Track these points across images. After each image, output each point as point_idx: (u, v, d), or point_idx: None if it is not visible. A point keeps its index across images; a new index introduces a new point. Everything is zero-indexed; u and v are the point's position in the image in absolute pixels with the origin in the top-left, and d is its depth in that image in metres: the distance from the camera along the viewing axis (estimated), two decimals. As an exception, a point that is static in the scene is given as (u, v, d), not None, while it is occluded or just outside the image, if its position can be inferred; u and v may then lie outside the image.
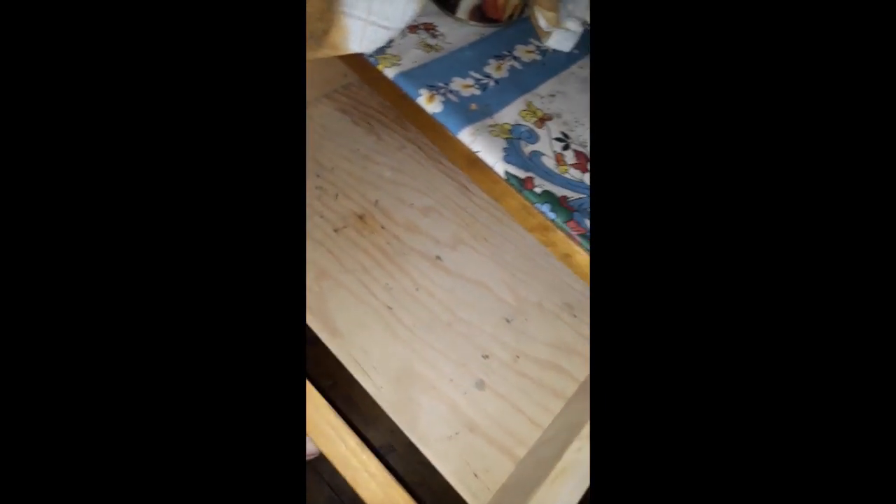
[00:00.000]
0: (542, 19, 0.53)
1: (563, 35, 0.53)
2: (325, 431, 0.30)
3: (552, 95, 0.49)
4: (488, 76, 0.48)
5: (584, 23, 0.58)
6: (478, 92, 0.46)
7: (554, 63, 0.52)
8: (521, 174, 0.41)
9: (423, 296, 0.54)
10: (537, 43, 0.54)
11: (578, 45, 0.54)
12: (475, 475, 0.45)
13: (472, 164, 0.43)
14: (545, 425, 0.48)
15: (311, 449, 0.59)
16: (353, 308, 0.52)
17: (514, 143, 0.43)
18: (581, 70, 0.52)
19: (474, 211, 0.62)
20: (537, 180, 0.41)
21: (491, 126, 0.44)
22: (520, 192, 0.41)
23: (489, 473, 0.45)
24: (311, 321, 0.50)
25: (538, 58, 0.52)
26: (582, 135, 0.46)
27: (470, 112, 0.44)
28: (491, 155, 0.42)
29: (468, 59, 0.49)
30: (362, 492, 0.29)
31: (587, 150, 0.45)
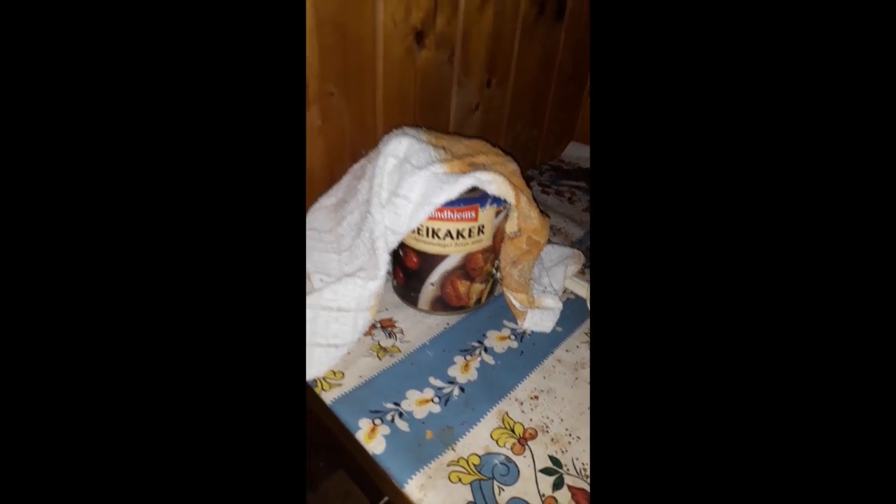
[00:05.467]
0: (514, 301, 0.47)
1: (540, 315, 0.46)
2: None
3: (534, 398, 0.39)
4: (452, 382, 0.40)
5: (565, 292, 0.52)
6: (437, 409, 0.37)
7: (534, 349, 0.44)
8: (493, 553, 0.28)
9: None
10: (513, 325, 0.47)
11: (561, 322, 0.47)
12: None
13: (426, 531, 0.31)
14: None
15: None
16: None
17: (485, 487, 0.32)
18: (568, 354, 0.44)
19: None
20: (517, 560, 0.28)
21: (452, 464, 0.33)
22: (492, 587, 0.27)
23: None
24: None
25: (515, 345, 0.45)
26: (579, 455, 0.35)
27: (424, 445, 0.34)
28: (448, 520, 0.30)
29: (429, 362, 0.42)
30: None
31: (587, 483, 0.33)
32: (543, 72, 0.73)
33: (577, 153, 0.87)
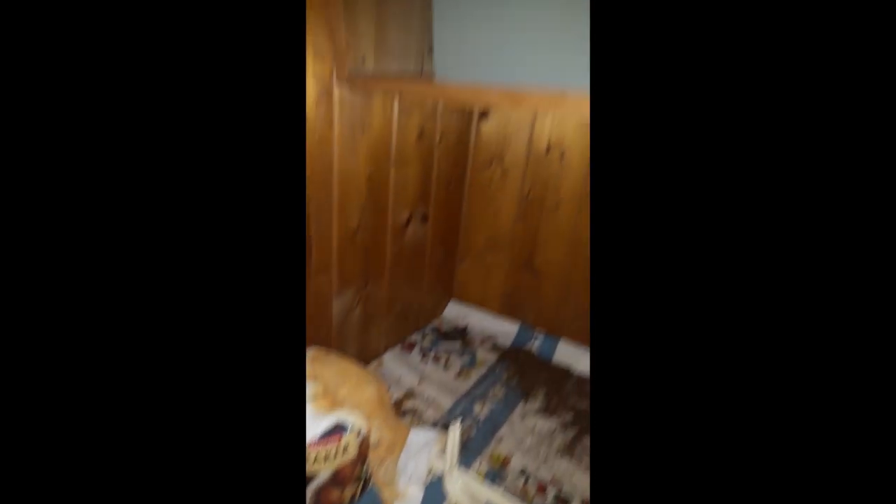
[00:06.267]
0: (381, 495, 0.57)
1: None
2: None
3: None
4: (323, 590, 0.48)
5: (428, 473, 0.63)
6: None
7: (397, 541, 0.54)
8: None
9: None
10: (382, 516, 0.57)
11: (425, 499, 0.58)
12: None
13: None
14: None
15: None
16: None
17: None
18: (425, 541, 0.54)
19: None
20: None
21: None
22: None
23: None
24: None
25: (381, 539, 0.54)
26: None
27: None
28: None
29: (304, 573, 0.49)
30: None
31: None
32: (416, 261, 0.89)
33: (456, 312, 1.03)
